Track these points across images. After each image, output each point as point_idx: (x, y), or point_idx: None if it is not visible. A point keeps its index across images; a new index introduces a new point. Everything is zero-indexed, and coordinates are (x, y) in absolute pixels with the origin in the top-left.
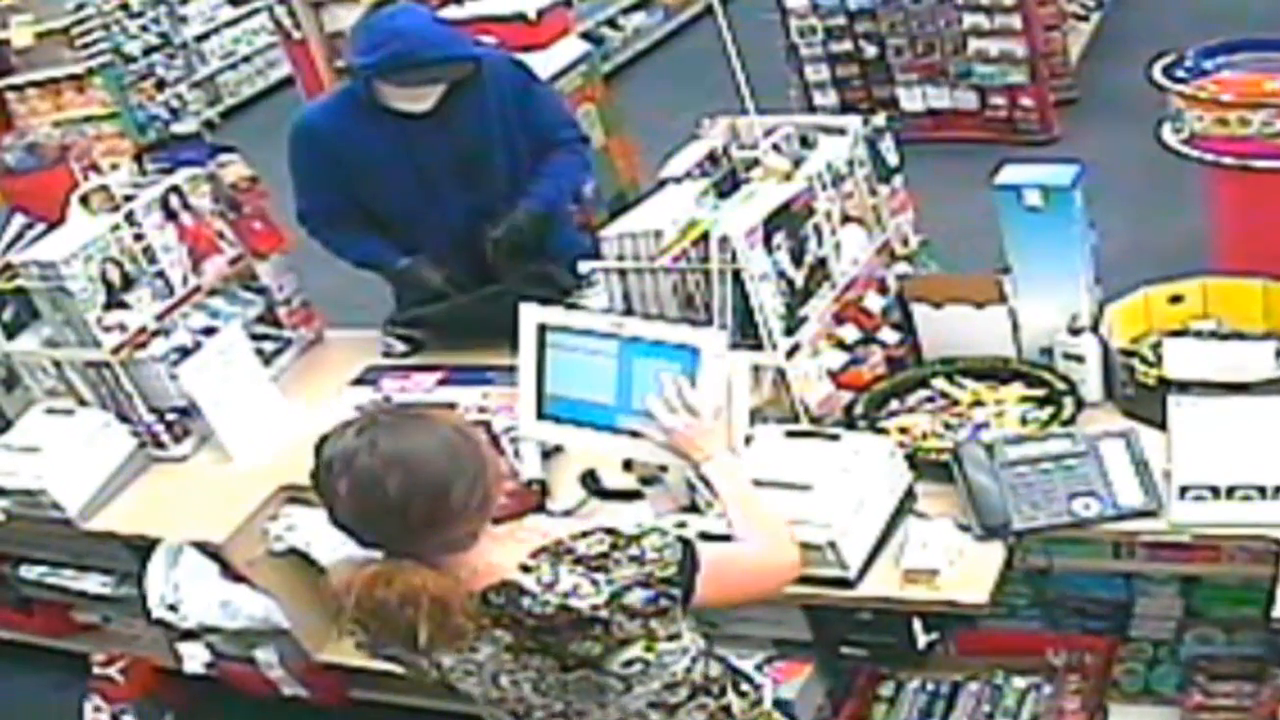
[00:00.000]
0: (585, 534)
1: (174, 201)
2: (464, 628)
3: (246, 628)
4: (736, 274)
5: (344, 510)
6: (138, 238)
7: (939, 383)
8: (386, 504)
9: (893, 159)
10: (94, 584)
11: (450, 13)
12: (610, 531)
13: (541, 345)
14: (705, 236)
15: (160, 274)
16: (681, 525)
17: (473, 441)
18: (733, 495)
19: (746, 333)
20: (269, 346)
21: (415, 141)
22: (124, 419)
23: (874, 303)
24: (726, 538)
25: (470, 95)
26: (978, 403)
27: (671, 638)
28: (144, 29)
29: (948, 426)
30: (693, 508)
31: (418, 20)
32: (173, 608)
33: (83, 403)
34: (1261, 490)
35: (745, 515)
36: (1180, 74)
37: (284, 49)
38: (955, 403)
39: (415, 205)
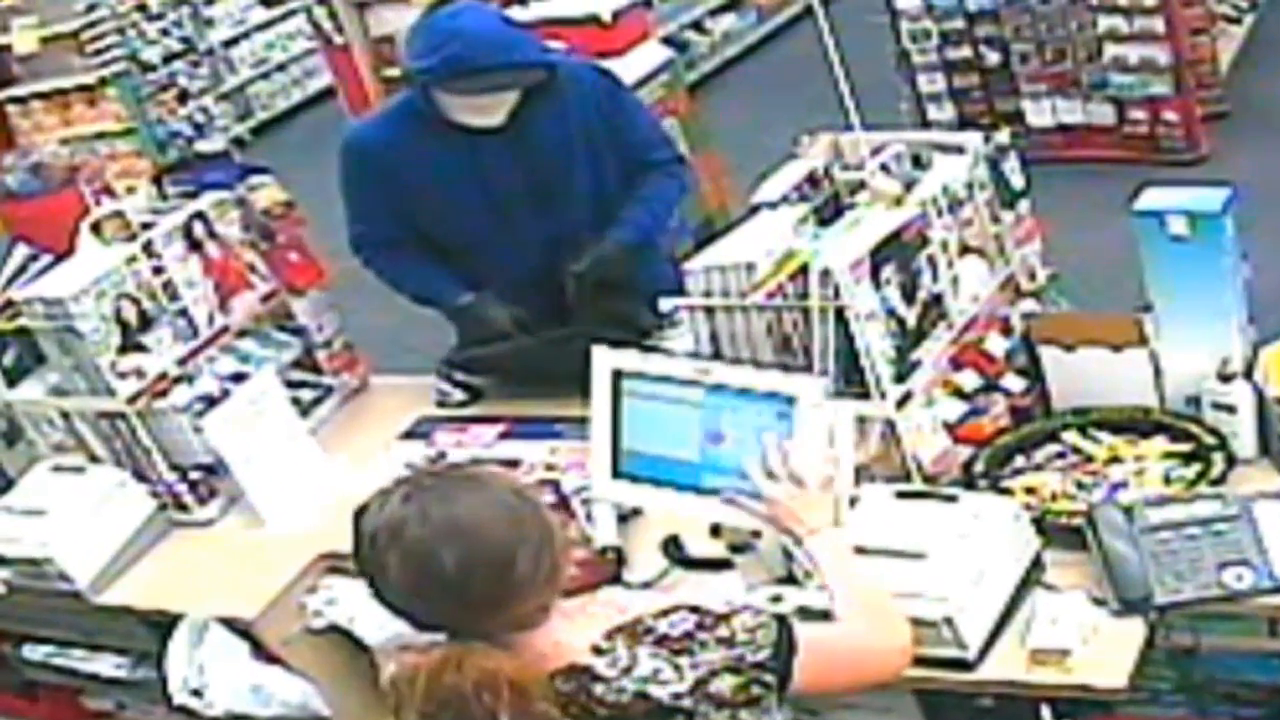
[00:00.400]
0: (667, 611)
1: (199, 230)
2: (549, 715)
3: (281, 715)
4: (839, 312)
5: (395, 588)
6: (157, 271)
7: (1071, 436)
8: (444, 580)
9: (1018, 181)
10: (107, 666)
11: (513, 14)
12: (696, 609)
13: (617, 394)
14: (804, 270)
15: (183, 312)
16: (776, 600)
17: (533, 504)
18: (837, 572)
19: (850, 379)
20: (307, 395)
21: (484, 160)
22: (141, 477)
23: (996, 345)
24: (827, 614)
25: (547, 107)
26: (1115, 459)
27: None
28: (164, 33)
29: (1080, 486)
30: (789, 579)
31: (482, 20)
32: (197, 693)
33: (94, 459)
34: None
35: (851, 594)
36: None
37: (324, 56)
38: (1089, 459)
39: (483, 233)
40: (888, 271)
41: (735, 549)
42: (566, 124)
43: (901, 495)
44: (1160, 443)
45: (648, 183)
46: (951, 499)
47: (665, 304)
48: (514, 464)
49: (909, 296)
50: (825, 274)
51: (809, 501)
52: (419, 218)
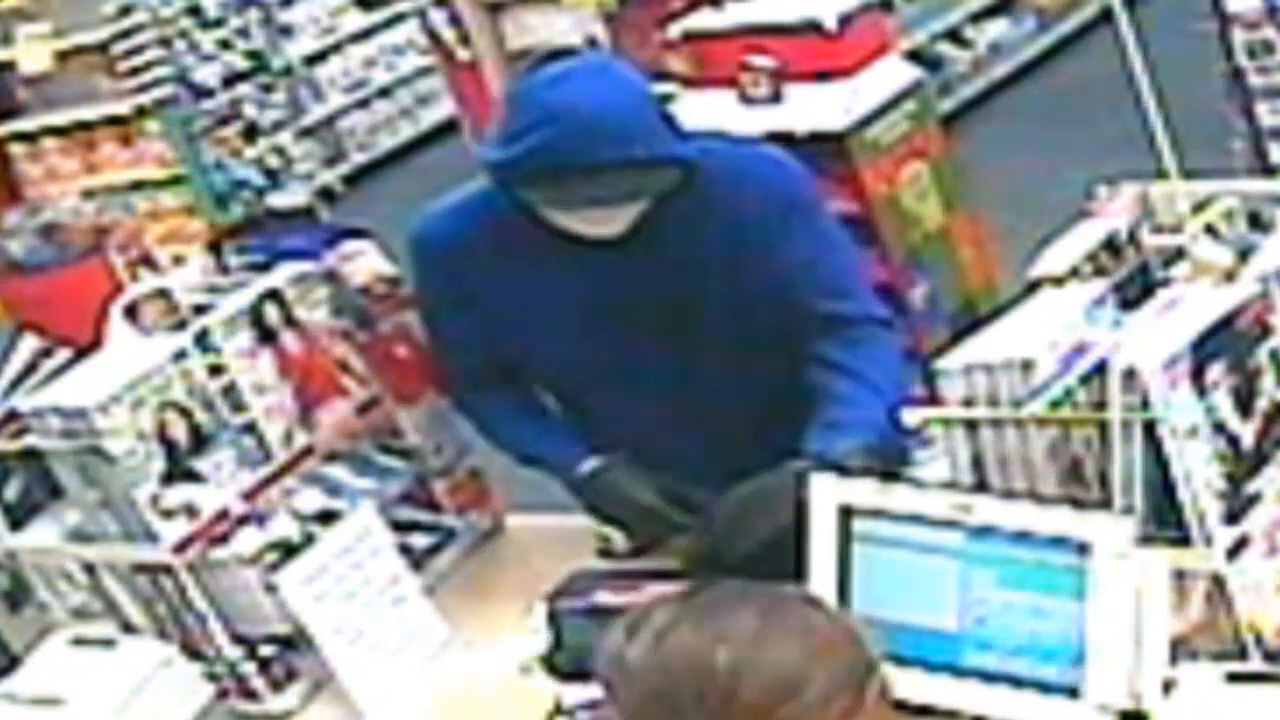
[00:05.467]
0: None
1: (272, 315)
2: None
3: None
4: (1150, 427)
5: (632, 690)
6: (215, 371)
7: None
8: (705, 685)
9: None
10: None
11: (705, 22)
12: None
13: (845, 539)
14: (1101, 369)
15: (250, 428)
16: None
17: (848, 629)
18: None
19: (1165, 519)
20: (421, 541)
21: (595, 282)
22: (194, 654)
23: None
24: None
25: (688, 210)
26: None
27: None
28: (225, 46)
29: None
30: None
31: (599, 93)
32: None
33: (129, 628)
34: None
35: None
36: None
37: (444, 76)
38: None
39: (592, 381)
40: (1215, 372)
41: None
42: (703, 236)
43: (1234, 678)
44: None
45: (856, 348)
46: None
47: (911, 416)
48: None
49: (1244, 406)
50: (1130, 375)
51: None
52: (504, 351)
